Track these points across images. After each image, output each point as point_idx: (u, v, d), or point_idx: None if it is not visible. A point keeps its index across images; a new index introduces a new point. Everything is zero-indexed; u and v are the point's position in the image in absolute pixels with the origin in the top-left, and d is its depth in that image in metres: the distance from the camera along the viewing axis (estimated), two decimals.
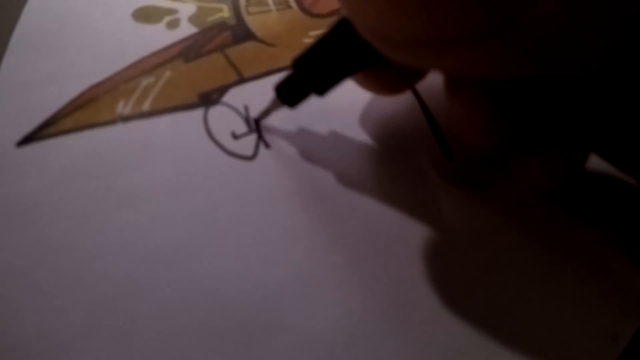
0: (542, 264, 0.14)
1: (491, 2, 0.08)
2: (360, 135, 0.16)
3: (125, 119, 0.15)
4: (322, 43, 0.13)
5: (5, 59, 0.16)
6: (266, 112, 0.15)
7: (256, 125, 0.16)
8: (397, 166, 0.16)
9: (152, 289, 0.13)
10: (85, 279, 0.13)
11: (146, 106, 0.15)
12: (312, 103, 0.15)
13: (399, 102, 0.17)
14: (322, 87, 0.14)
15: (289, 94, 0.14)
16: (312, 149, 0.15)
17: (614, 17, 0.08)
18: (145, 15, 0.17)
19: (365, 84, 0.14)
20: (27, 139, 0.14)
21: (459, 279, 0.14)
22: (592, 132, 0.13)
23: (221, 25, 0.17)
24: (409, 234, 0.14)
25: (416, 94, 0.17)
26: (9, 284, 0.12)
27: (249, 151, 0.15)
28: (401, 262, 0.14)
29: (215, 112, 0.15)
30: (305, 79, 0.14)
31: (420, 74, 0.14)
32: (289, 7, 0.19)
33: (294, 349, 0.12)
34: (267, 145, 0.15)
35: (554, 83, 0.12)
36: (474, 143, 0.13)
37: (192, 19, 0.17)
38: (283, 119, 0.16)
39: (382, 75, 0.14)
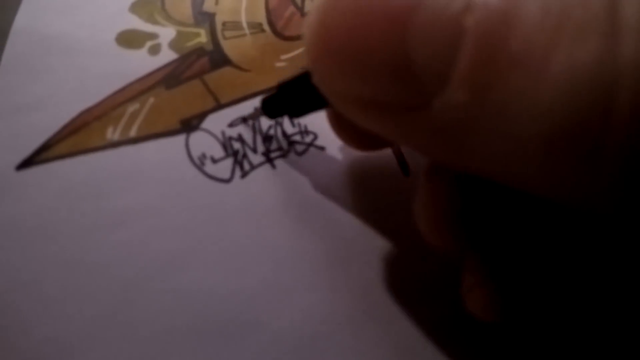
0: None
1: (409, 75, 0.08)
2: (333, 152, 0.18)
3: (115, 144, 0.17)
4: (285, 86, 0.15)
5: None
6: (249, 117, 0.18)
7: (243, 121, 0.18)
8: (364, 184, 0.18)
9: (146, 297, 0.15)
10: (87, 290, 0.15)
11: (133, 132, 0.17)
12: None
13: None
14: (297, 113, 0.15)
15: (272, 109, 0.16)
16: (285, 168, 0.18)
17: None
18: (128, 40, 0.19)
19: (344, 137, 0.16)
20: (26, 163, 0.16)
21: (417, 286, 0.16)
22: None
23: (199, 51, 0.19)
24: (370, 246, 0.17)
25: None
26: (17, 295, 0.14)
27: (226, 175, 0.17)
28: (362, 269, 0.16)
29: (196, 137, 0.17)
30: (284, 102, 0.15)
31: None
32: (262, 30, 0.20)
33: (265, 345, 0.15)
34: (243, 170, 0.17)
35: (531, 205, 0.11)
36: (432, 236, 0.12)
37: (172, 45, 0.19)
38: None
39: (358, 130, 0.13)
